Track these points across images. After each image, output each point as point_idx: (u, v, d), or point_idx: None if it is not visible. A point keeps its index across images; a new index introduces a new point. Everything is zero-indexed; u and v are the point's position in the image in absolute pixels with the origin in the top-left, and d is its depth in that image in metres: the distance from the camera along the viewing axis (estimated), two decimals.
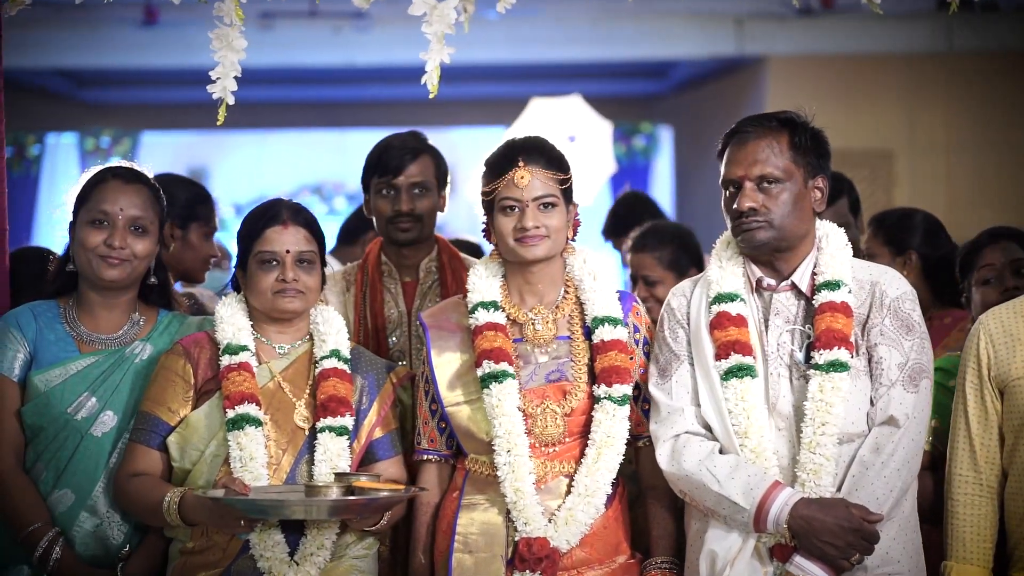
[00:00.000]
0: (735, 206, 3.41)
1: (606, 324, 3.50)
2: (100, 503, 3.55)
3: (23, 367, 3.60)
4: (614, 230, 6.47)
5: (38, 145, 12.66)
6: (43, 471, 3.56)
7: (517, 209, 3.48)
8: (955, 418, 3.54)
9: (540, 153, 3.52)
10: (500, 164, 3.52)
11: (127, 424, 3.58)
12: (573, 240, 3.63)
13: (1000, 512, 3.50)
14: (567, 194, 3.54)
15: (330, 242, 6.63)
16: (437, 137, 4.53)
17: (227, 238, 4.21)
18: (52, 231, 3.81)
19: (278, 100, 13.29)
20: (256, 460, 3.43)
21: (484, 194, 3.54)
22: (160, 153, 12.46)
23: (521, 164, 3.48)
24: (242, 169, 13.08)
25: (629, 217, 6.27)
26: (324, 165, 12.98)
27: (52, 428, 3.56)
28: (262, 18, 10.87)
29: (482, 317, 3.51)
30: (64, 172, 12.30)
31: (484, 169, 3.56)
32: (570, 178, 3.55)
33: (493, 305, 3.54)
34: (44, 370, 3.58)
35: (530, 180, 3.47)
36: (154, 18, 10.67)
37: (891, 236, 4.53)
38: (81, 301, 3.67)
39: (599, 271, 3.58)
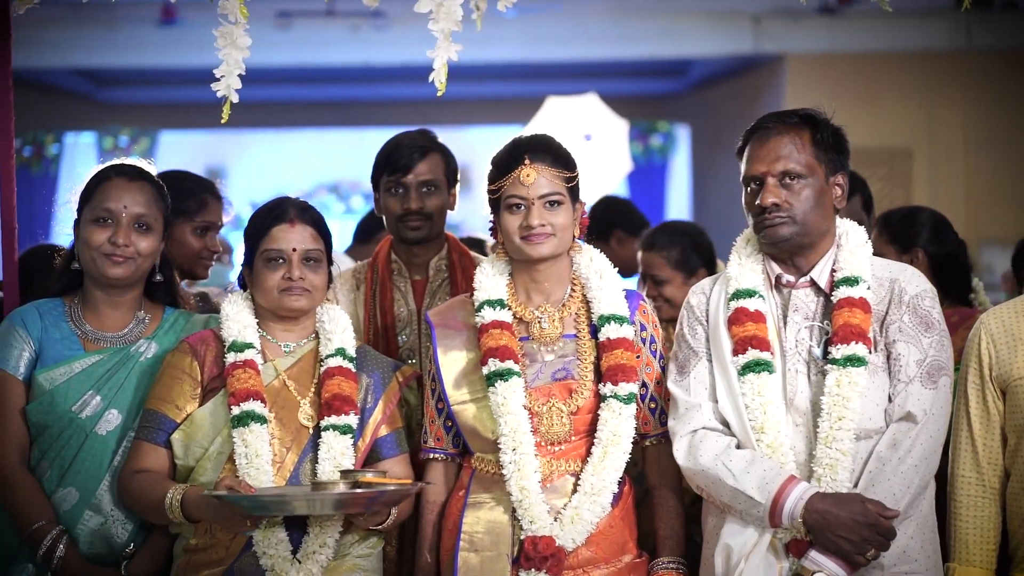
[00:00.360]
0: (757, 202, 3.40)
1: (612, 322, 3.49)
2: (104, 501, 3.55)
3: (28, 365, 3.59)
4: (590, 234, 6.40)
5: (57, 144, 12.72)
6: (47, 469, 3.56)
7: (523, 207, 3.47)
8: (957, 419, 3.53)
9: (546, 151, 3.51)
10: (506, 162, 3.51)
11: (132, 423, 3.57)
12: (581, 239, 3.61)
13: (1002, 513, 3.49)
14: (573, 192, 3.53)
15: (347, 241, 6.64)
16: (453, 136, 4.52)
17: (238, 236, 4.18)
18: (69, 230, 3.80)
19: (295, 99, 13.33)
20: (261, 457, 3.43)
21: (490, 192, 3.54)
22: (178, 152, 12.52)
23: (527, 162, 3.48)
24: (259, 168, 13.12)
25: (605, 221, 6.26)
26: (341, 164, 13.01)
27: (56, 426, 3.55)
28: (279, 17, 10.90)
29: (488, 315, 3.51)
30: (83, 171, 12.34)
31: (490, 167, 3.56)
32: (576, 176, 3.55)
33: (499, 303, 3.53)
34: (49, 368, 3.57)
35: (536, 178, 3.46)
36: (171, 17, 10.71)
37: (897, 234, 4.51)
38: (86, 299, 3.66)
39: (606, 269, 3.57)
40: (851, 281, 3.38)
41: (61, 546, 3.48)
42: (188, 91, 12.42)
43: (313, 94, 13.26)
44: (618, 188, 10.58)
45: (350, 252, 6.40)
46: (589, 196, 3.65)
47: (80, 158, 12.65)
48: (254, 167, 13.17)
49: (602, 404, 3.45)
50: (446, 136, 4.31)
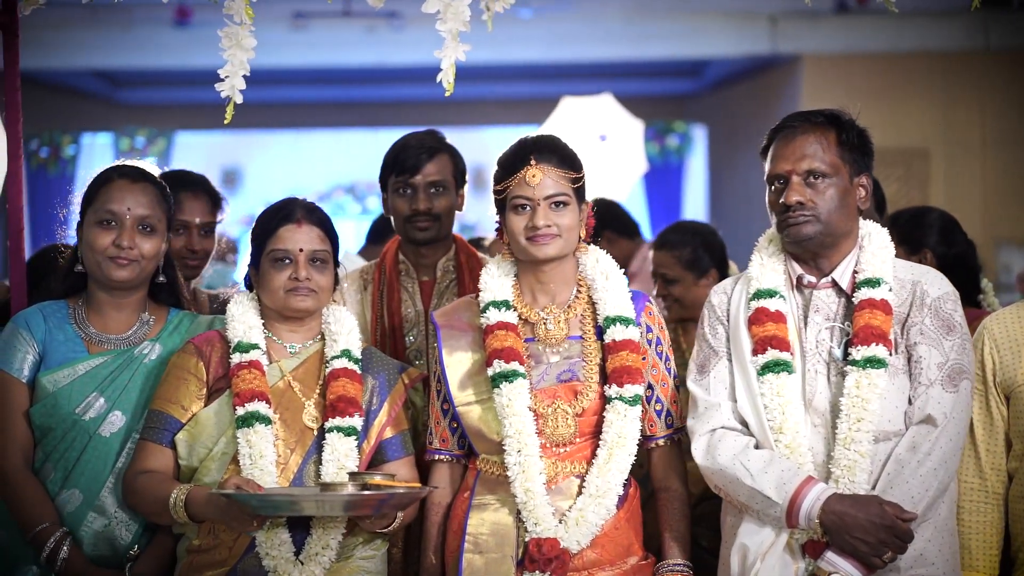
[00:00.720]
0: (782, 200, 3.40)
1: (618, 324, 3.48)
2: (108, 503, 3.54)
3: (32, 368, 3.59)
4: None
5: (74, 146, 12.74)
6: (51, 471, 3.56)
7: (529, 208, 3.46)
8: None
9: (552, 151, 3.50)
10: (512, 163, 3.51)
11: (135, 424, 3.57)
12: (587, 241, 3.60)
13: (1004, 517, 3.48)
14: (579, 193, 3.52)
15: (362, 241, 6.65)
16: (468, 137, 4.52)
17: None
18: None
19: (312, 100, 13.35)
20: (265, 458, 3.42)
21: (496, 192, 3.54)
22: (194, 153, 12.54)
23: (533, 163, 3.47)
24: (275, 169, 13.14)
25: (595, 222, 6.21)
26: (357, 164, 13.00)
27: (60, 428, 3.55)
28: (296, 18, 10.90)
29: (493, 316, 3.50)
30: None
31: (497, 167, 3.55)
32: (583, 177, 3.54)
33: (505, 304, 3.52)
34: (52, 371, 3.57)
35: (542, 179, 3.46)
36: (186, 17, 10.72)
37: (905, 235, 4.47)
38: (90, 301, 3.66)
39: (612, 271, 3.56)
40: (873, 282, 3.38)
41: (65, 548, 3.48)
42: (204, 92, 12.36)
43: (329, 95, 13.28)
44: (634, 189, 10.55)
45: (363, 253, 6.40)
46: (594, 196, 3.62)
47: (97, 159, 12.67)
48: (270, 168, 13.19)
49: (607, 406, 3.44)
50: (461, 137, 4.30)
